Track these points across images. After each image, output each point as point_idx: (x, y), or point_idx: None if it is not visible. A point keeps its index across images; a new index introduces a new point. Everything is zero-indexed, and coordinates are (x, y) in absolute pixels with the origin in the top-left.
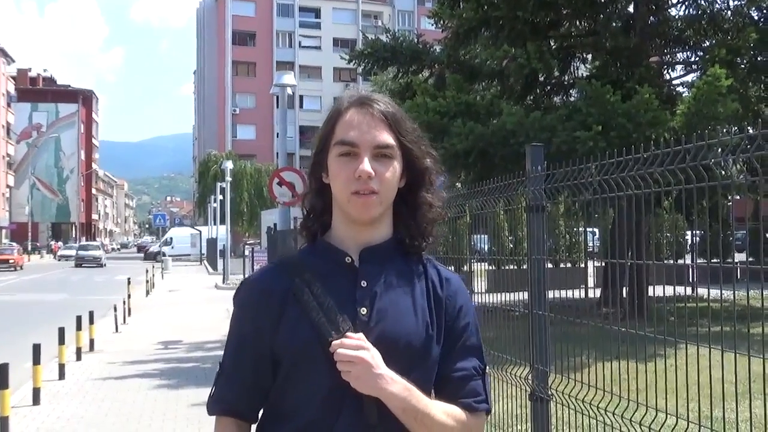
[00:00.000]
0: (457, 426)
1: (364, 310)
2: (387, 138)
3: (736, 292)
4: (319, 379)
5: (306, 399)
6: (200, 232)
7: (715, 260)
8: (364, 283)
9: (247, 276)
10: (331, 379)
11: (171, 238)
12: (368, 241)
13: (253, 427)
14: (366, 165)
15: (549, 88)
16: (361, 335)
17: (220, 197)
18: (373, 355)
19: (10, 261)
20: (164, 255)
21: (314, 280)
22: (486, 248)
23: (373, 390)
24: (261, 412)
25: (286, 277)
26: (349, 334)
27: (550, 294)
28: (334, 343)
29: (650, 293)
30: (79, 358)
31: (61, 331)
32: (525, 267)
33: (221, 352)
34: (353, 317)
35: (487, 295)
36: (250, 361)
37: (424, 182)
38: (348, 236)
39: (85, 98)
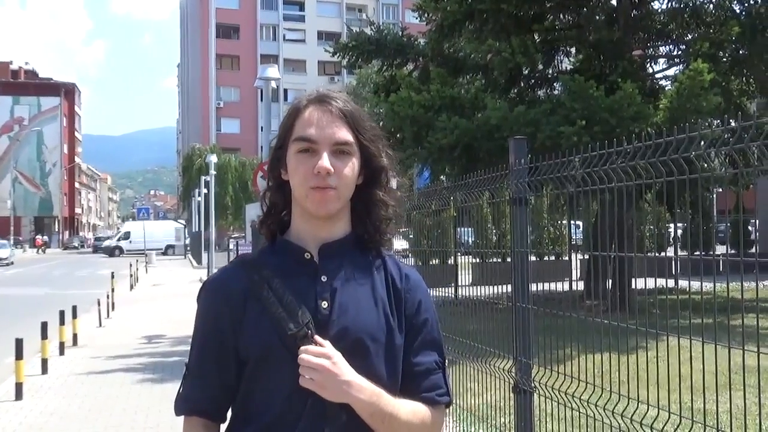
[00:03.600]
0: (421, 423)
1: (325, 304)
2: (345, 135)
3: (717, 284)
4: (282, 376)
5: (270, 397)
6: (185, 225)
7: (697, 252)
8: (324, 278)
9: (208, 276)
10: (294, 376)
11: (129, 233)
12: (327, 237)
13: (223, 427)
14: (325, 161)
15: (533, 81)
16: (327, 343)
17: (205, 191)
18: (336, 362)
19: None
20: (121, 250)
21: (273, 276)
22: (470, 241)
23: (339, 398)
24: (230, 412)
25: (246, 275)
26: (317, 337)
27: (534, 286)
28: (300, 348)
29: (633, 285)
30: (62, 352)
31: (44, 326)
32: (509, 260)
33: None
34: (314, 312)
35: (471, 287)
36: (214, 360)
37: (379, 180)
38: (307, 232)
39: (67, 91)
